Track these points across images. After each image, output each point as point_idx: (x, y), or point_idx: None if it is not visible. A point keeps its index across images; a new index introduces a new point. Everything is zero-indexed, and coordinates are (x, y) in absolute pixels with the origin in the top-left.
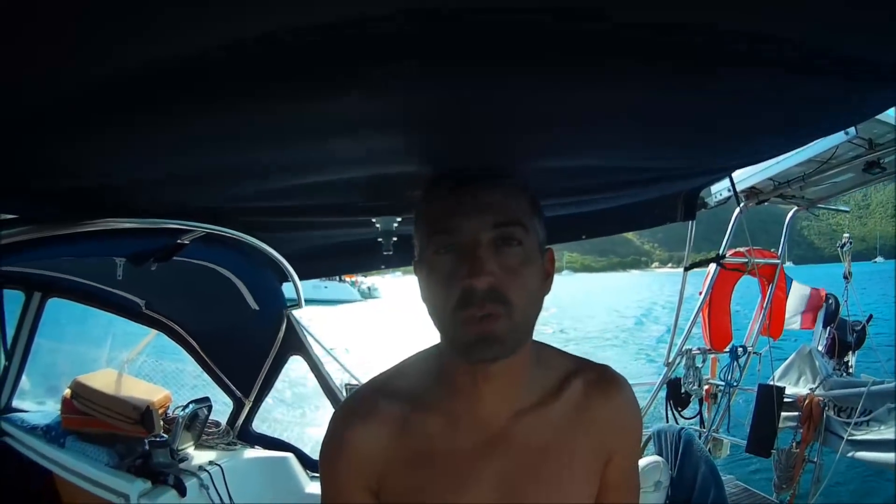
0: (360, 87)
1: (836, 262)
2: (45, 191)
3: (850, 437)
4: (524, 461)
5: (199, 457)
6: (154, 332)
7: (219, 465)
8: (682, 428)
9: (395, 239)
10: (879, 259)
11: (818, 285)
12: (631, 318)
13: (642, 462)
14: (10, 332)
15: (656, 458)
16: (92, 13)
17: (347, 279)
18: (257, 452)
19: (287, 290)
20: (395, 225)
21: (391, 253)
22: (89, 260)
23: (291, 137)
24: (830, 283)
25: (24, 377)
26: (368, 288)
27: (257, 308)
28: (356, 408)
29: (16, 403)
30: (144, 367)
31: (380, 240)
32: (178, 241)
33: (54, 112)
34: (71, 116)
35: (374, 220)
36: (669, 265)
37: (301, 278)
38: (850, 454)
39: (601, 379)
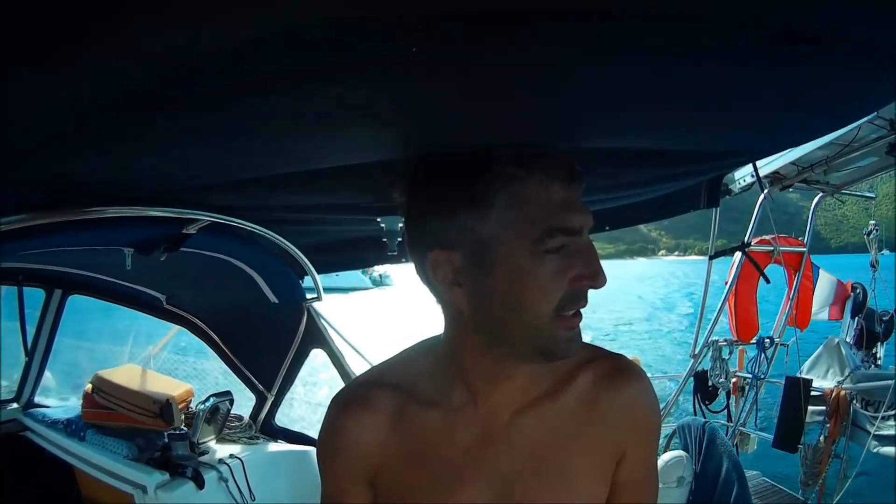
0: (369, 74)
1: (841, 254)
2: (49, 179)
3: (876, 433)
4: (527, 457)
5: (221, 450)
6: (176, 327)
7: (239, 459)
8: (706, 422)
9: (399, 240)
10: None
11: None
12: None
13: (665, 457)
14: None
15: (679, 452)
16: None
17: None
18: (279, 446)
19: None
20: (401, 225)
21: (396, 253)
22: (106, 255)
23: (296, 130)
24: (841, 277)
25: (49, 374)
26: (380, 275)
27: (276, 301)
28: (352, 398)
29: (41, 400)
30: (172, 363)
31: (384, 239)
32: (184, 230)
33: (67, 116)
34: (84, 121)
35: (378, 219)
36: (676, 253)
37: (318, 272)
38: (875, 450)
39: (613, 369)
